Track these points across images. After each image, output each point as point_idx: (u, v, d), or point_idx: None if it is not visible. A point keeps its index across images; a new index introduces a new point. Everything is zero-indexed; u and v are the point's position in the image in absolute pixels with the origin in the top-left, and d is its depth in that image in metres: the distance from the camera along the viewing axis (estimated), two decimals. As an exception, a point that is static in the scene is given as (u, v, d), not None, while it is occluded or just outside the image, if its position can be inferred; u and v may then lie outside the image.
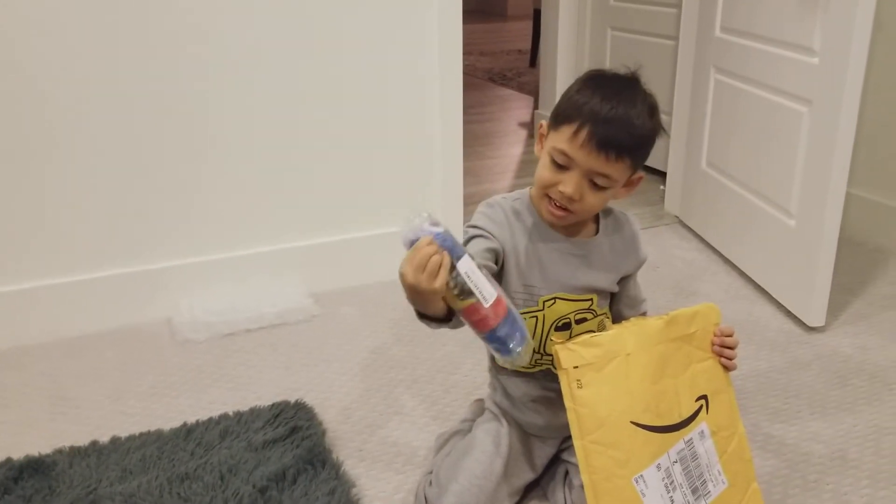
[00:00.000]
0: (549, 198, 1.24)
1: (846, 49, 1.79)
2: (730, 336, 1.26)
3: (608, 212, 1.36)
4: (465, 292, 1.04)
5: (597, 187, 1.21)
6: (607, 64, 3.31)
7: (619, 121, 1.17)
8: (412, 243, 1.02)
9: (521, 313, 1.28)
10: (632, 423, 1.11)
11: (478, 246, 1.25)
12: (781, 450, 1.56)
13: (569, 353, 1.11)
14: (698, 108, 2.54)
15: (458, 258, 1.04)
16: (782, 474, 1.48)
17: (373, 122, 2.16)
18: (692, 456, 1.17)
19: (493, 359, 1.38)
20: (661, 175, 2.98)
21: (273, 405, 1.64)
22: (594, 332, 1.18)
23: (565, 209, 1.23)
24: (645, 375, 1.14)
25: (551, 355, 1.27)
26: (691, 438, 1.18)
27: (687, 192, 2.68)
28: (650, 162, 3.33)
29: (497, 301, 1.07)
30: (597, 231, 1.34)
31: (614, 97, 1.19)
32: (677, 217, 2.75)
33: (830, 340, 1.96)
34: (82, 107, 1.87)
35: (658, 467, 1.13)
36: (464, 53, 2.22)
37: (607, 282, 1.33)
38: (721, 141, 2.43)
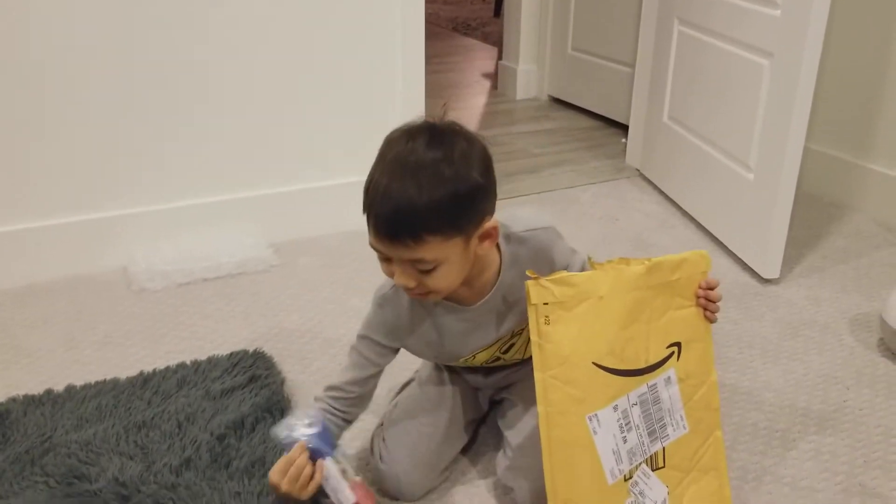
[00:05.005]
0: None
1: (808, 2, 1.79)
2: (714, 289, 1.23)
3: (510, 238, 1.21)
4: (324, 494, 1.18)
5: (424, 271, 1.08)
6: (571, 13, 3.28)
7: (396, 205, 1.01)
8: (285, 442, 1.16)
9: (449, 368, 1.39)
10: (594, 364, 1.12)
11: (357, 373, 1.27)
12: (734, 398, 1.59)
13: (540, 290, 1.09)
14: (661, 61, 2.53)
15: (325, 456, 1.17)
16: (734, 422, 1.52)
17: (332, 71, 2.13)
18: (654, 400, 1.19)
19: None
20: (623, 128, 2.99)
21: (231, 354, 1.63)
22: (528, 338, 1.23)
23: (420, 294, 1.13)
24: (615, 320, 1.15)
25: (504, 364, 1.36)
26: (655, 384, 1.19)
27: (648, 146, 2.69)
28: (612, 115, 3.36)
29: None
30: (497, 279, 1.21)
31: (390, 174, 1.03)
32: (638, 170, 2.76)
33: (784, 292, 2.00)
34: (35, 55, 1.81)
35: (615, 408, 1.14)
36: (426, 1, 2.18)
37: (514, 321, 1.25)
38: (683, 94, 2.43)
